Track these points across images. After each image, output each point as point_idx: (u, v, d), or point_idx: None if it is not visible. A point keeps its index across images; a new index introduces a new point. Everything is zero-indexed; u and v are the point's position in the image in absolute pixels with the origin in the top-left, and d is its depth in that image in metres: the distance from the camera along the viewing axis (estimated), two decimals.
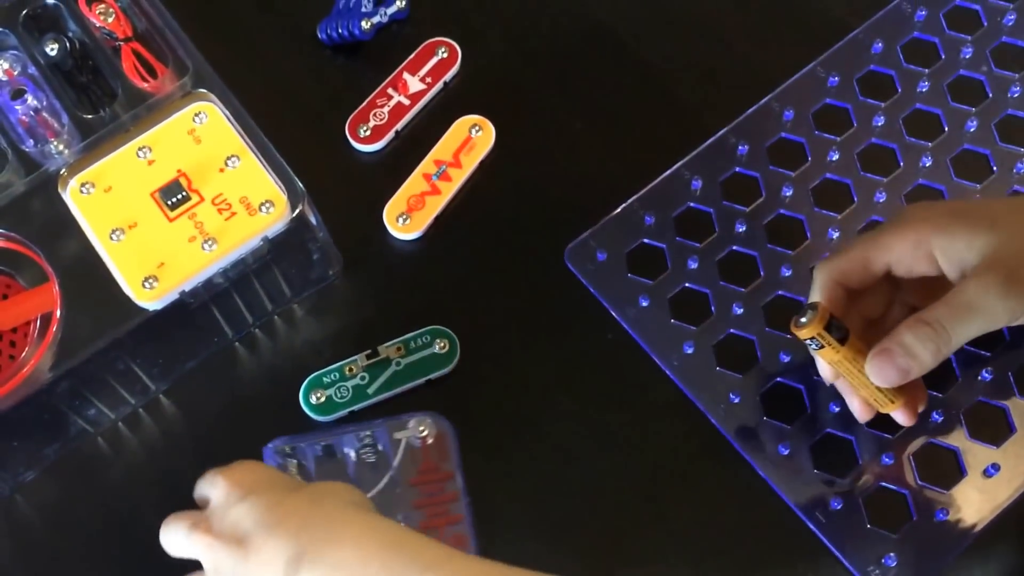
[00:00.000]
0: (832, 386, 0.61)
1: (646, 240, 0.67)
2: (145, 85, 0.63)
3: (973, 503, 0.60)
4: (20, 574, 0.61)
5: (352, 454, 0.61)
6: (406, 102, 0.72)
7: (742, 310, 0.65)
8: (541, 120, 0.72)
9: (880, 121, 0.70)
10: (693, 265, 0.66)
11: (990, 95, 0.71)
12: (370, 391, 0.63)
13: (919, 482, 0.61)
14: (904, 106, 0.70)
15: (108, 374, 0.61)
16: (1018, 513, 0.60)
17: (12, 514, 0.62)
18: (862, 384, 0.57)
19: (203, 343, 0.65)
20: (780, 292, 0.65)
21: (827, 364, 0.58)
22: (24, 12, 0.64)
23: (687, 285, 0.66)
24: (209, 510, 0.52)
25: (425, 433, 0.61)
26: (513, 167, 0.70)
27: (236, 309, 0.64)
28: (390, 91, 0.72)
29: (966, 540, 0.59)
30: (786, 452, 0.61)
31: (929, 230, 0.56)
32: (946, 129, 0.70)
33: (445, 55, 0.73)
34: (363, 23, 0.72)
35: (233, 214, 0.59)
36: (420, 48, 0.73)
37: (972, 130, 0.69)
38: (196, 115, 0.61)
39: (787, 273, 0.66)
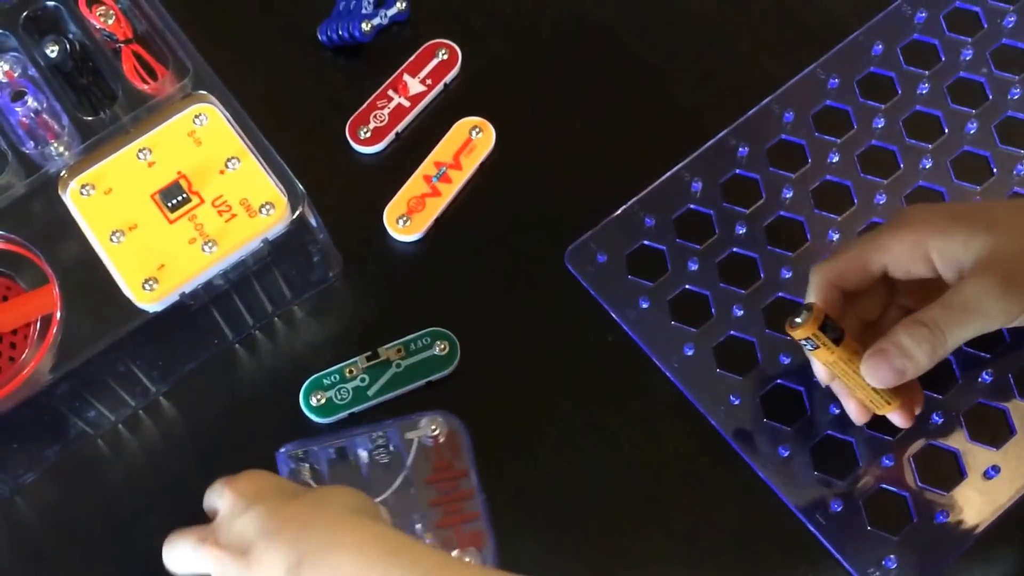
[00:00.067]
0: (831, 388, 0.61)
1: (646, 242, 0.67)
2: (145, 87, 0.63)
3: (973, 505, 0.60)
4: None
5: (365, 456, 0.61)
6: (406, 104, 0.72)
7: (742, 312, 0.65)
8: (541, 122, 0.72)
9: (880, 123, 0.70)
10: (693, 267, 0.66)
11: (990, 97, 0.71)
12: (370, 393, 0.63)
13: (919, 484, 0.61)
14: (904, 108, 0.70)
15: (108, 376, 0.61)
16: (1018, 515, 0.60)
17: (12, 516, 0.62)
18: (858, 386, 0.57)
19: (203, 345, 0.65)
20: (780, 294, 0.65)
21: (822, 365, 0.58)
22: (24, 14, 0.64)
23: (687, 287, 0.66)
24: (216, 522, 0.52)
25: (437, 432, 0.61)
26: (513, 169, 0.70)
27: (236, 311, 0.64)
28: (390, 93, 0.72)
29: (967, 542, 0.59)
30: (786, 454, 0.61)
31: (926, 231, 0.56)
32: (946, 131, 0.70)
33: (445, 57, 0.73)
34: (363, 25, 0.72)
35: (233, 216, 0.59)
36: (420, 50, 0.73)
37: (972, 132, 0.69)
38: (196, 117, 0.62)
39: (787, 275, 0.66)
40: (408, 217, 0.68)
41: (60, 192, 0.60)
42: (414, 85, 0.72)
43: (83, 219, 0.59)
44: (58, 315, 0.58)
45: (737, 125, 0.70)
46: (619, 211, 0.68)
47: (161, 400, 0.65)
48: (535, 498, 0.62)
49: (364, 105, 0.72)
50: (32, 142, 0.62)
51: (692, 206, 0.68)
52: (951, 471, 0.61)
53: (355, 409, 0.63)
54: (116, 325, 0.58)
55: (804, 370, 0.62)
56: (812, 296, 0.58)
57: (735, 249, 0.67)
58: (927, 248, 0.55)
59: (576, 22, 0.75)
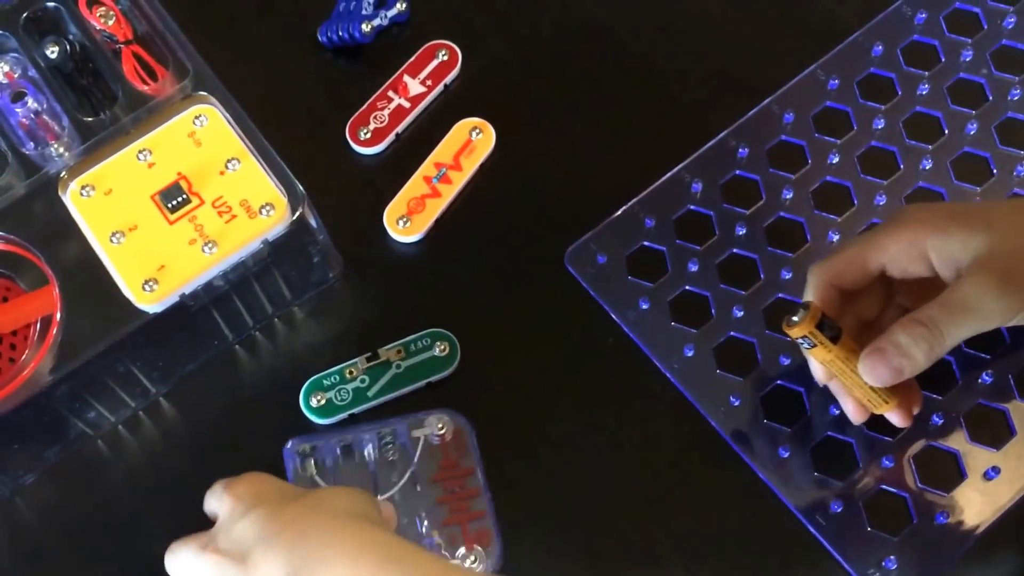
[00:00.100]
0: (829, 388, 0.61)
1: (646, 243, 0.67)
2: (145, 88, 0.63)
3: (974, 506, 0.60)
4: None
5: (372, 452, 0.62)
6: (406, 105, 0.72)
7: (742, 313, 0.65)
8: (541, 123, 0.72)
9: (880, 124, 0.70)
10: (693, 268, 0.66)
11: (990, 98, 0.71)
12: (370, 394, 0.63)
13: (919, 485, 0.61)
14: (904, 109, 0.71)
15: (108, 377, 0.61)
16: (1019, 516, 0.60)
17: (12, 517, 0.62)
18: (856, 384, 0.57)
19: (203, 346, 0.65)
20: (780, 295, 0.65)
21: (819, 364, 0.58)
22: (24, 15, 0.64)
23: (687, 288, 0.66)
24: (216, 527, 0.52)
25: (444, 430, 0.61)
26: (513, 170, 0.70)
27: (236, 312, 0.64)
28: (390, 94, 0.72)
29: (967, 543, 0.59)
30: (786, 455, 0.61)
31: (924, 230, 0.56)
32: (946, 132, 0.70)
33: (445, 58, 0.73)
34: (363, 26, 0.72)
35: (233, 217, 0.59)
36: (420, 51, 0.74)
37: (972, 133, 0.69)
38: (196, 118, 0.62)
39: (787, 276, 0.66)
40: (408, 218, 0.68)
41: (60, 193, 0.60)
42: (414, 86, 0.72)
43: (83, 220, 0.59)
44: (58, 316, 0.58)
45: (737, 126, 0.71)
46: (619, 212, 0.68)
47: (161, 401, 0.65)
48: (535, 499, 0.62)
49: (364, 106, 0.72)
50: (32, 143, 0.62)
51: (692, 207, 0.68)
52: (951, 472, 0.61)
53: (355, 410, 0.63)
54: (116, 326, 0.58)
55: (804, 371, 0.62)
56: (809, 295, 0.58)
57: (735, 250, 0.67)
58: (925, 247, 0.55)
59: (576, 23, 0.75)
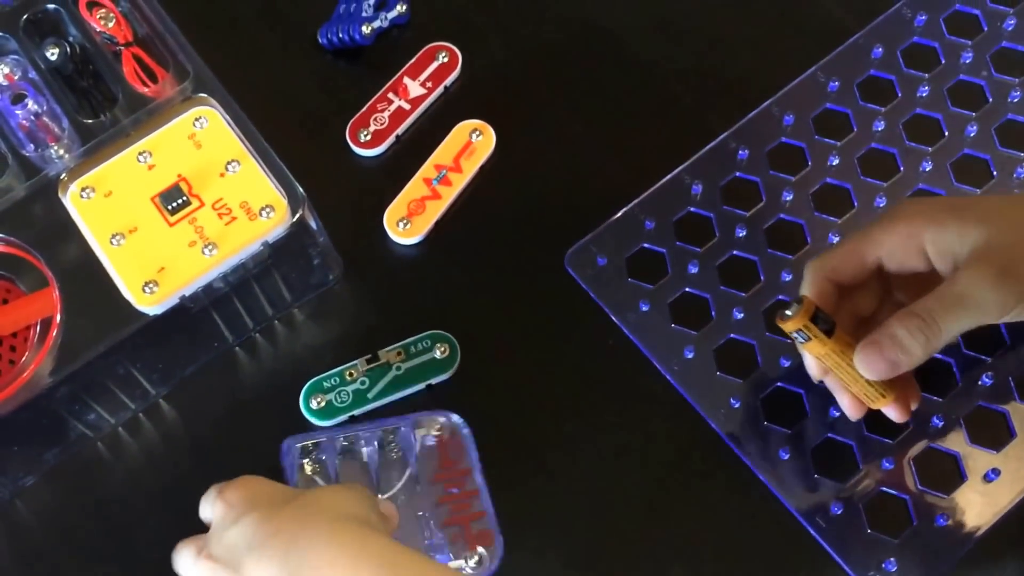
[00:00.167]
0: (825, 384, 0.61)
1: (646, 245, 0.67)
2: (146, 90, 0.63)
3: (974, 508, 0.60)
4: None
5: (372, 451, 0.62)
6: (407, 107, 0.72)
7: (742, 315, 0.65)
8: (541, 125, 0.72)
9: (880, 126, 0.70)
10: (693, 270, 0.66)
11: (990, 100, 0.71)
12: (370, 396, 0.63)
13: (919, 487, 0.61)
14: (904, 111, 0.71)
15: (108, 379, 0.61)
16: (1019, 518, 0.60)
17: (12, 519, 0.62)
18: (852, 379, 0.57)
19: (203, 348, 0.65)
20: (781, 297, 0.65)
21: (814, 359, 0.58)
22: (25, 16, 0.64)
23: (687, 290, 0.66)
24: (210, 532, 0.52)
25: (441, 431, 0.61)
26: (514, 172, 0.70)
27: (236, 314, 0.64)
28: (390, 96, 0.72)
29: (967, 545, 0.59)
30: (786, 457, 0.61)
31: (921, 223, 0.55)
32: (946, 134, 0.70)
33: (446, 60, 0.73)
34: (364, 28, 0.73)
35: (233, 219, 0.59)
36: (421, 53, 0.74)
37: (972, 135, 0.69)
38: (196, 120, 0.62)
39: (787, 278, 0.66)
40: (408, 220, 0.68)
41: (60, 195, 0.60)
42: (414, 88, 0.72)
43: (83, 222, 0.59)
44: (58, 318, 0.58)
45: (737, 128, 0.71)
46: (619, 214, 0.68)
47: (161, 403, 0.65)
48: (536, 501, 0.62)
49: (364, 108, 0.72)
50: (32, 145, 0.62)
51: (692, 209, 0.68)
52: (951, 474, 0.61)
53: (355, 412, 0.63)
54: (116, 328, 0.58)
55: (804, 373, 0.62)
56: (805, 290, 0.58)
57: (735, 252, 0.67)
58: (921, 240, 0.55)
59: (576, 25, 0.75)
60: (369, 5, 0.74)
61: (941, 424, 0.62)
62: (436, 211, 0.69)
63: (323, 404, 0.63)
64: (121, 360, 0.60)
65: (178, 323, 0.60)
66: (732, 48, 0.74)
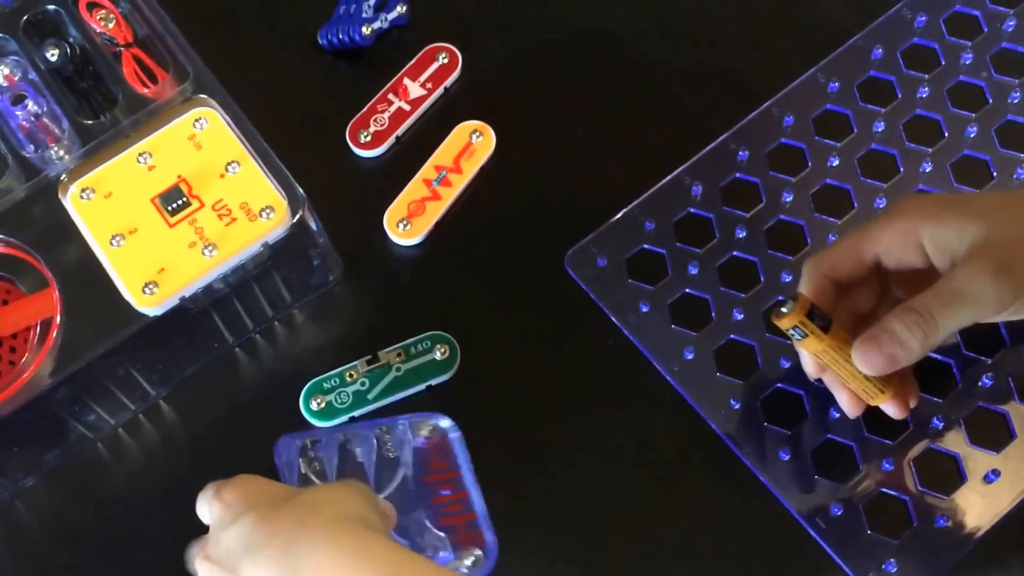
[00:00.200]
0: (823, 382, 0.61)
1: (646, 246, 0.67)
2: (146, 91, 0.63)
3: (974, 509, 0.60)
4: None
5: (369, 450, 0.62)
6: (407, 107, 0.72)
7: (742, 316, 0.65)
8: (541, 126, 0.72)
9: (880, 127, 0.70)
10: (693, 271, 0.66)
11: (990, 101, 0.71)
12: (370, 397, 0.64)
13: (919, 488, 0.61)
14: (904, 112, 0.71)
15: (108, 380, 0.61)
16: (1019, 519, 0.60)
17: (12, 520, 0.62)
18: (850, 375, 0.57)
19: (203, 349, 0.65)
20: (780, 298, 0.65)
21: (811, 356, 0.58)
22: (25, 17, 0.64)
23: (687, 291, 0.66)
24: (208, 534, 0.52)
25: (431, 434, 0.61)
26: (514, 172, 0.70)
27: (236, 315, 0.64)
28: (391, 96, 0.72)
29: (967, 546, 0.59)
30: (786, 458, 0.61)
31: (919, 219, 0.55)
32: (946, 135, 0.70)
33: (446, 61, 0.73)
34: (364, 29, 0.73)
35: (233, 220, 0.59)
36: (421, 54, 0.74)
37: (972, 136, 0.69)
38: (196, 121, 0.62)
39: (787, 279, 0.66)
40: (408, 221, 0.68)
41: (60, 196, 0.60)
42: (414, 89, 0.72)
43: (83, 223, 0.59)
44: (58, 319, 0.58)
45: (737, 129, 0.71)
46: (619, 215, 0.68)
47: (161, 404, 0.65)
48: (535, 502, 0.62)
49: (364, 109, 0.72)
50: (32, 146, 0.62)
51: (692, 210, 0.68)
52: (951, 475, 0.61)
53: (355, 413, 0.63)
54: (116, 329, 0.58)
55: (804, 374, 0.62)
56: (803, 287, 0.58)
57: (735, 253, 0.67)
58: (920, 236, 0.55)
59: (576, 26, 0.75)
60: (369, 6, 0.74)
61: (941, 425, 0.62)
62: (436, 212, 0.69)
63: (323, 405, 0.63)
64: (121, 361, 0.60)
65: (178, 324, 0.60)
66: (732, 49, 0.74)
